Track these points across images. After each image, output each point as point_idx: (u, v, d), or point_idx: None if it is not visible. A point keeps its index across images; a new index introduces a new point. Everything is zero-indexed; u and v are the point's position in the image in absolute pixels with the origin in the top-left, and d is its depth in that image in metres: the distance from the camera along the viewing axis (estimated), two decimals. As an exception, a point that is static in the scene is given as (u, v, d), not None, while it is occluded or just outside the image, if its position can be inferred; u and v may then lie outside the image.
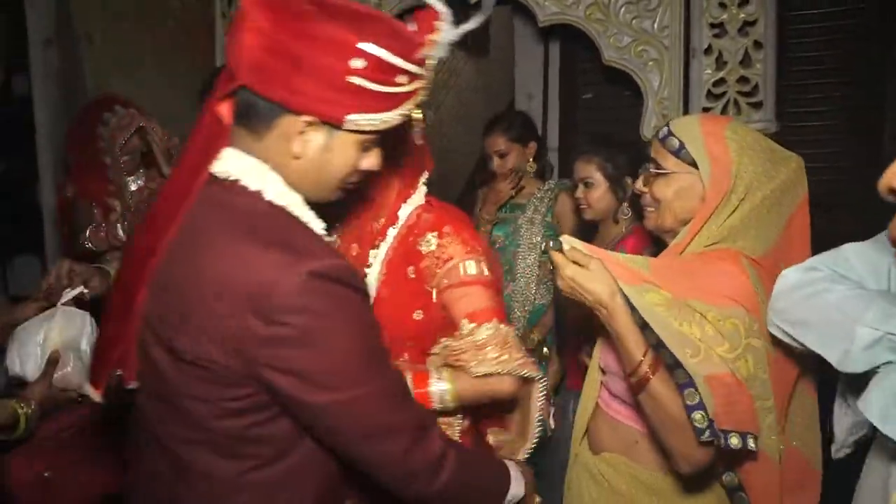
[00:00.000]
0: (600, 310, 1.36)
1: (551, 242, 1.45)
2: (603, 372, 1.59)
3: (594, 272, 1.35)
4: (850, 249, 1.30)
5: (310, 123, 1.02)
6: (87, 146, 2.34)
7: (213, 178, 1.05)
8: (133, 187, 2.54)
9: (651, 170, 1.51)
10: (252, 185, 1.04)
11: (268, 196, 1.04)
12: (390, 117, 1.05)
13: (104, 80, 2.95)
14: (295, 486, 1.08)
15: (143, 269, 1.04)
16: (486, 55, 6.66)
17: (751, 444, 1.29)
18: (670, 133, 1.46)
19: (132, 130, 2.38)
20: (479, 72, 6.62)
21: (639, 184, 1.56)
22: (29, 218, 3.15)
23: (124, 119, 2.37)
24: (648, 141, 2.54)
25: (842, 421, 1.33)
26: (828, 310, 1.22)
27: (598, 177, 2.41)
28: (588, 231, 2.57)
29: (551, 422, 2.39)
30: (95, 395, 1.12)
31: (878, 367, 1.14)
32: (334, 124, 1.03)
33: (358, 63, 0.96)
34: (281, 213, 1.05)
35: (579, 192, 2.47)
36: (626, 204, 2.41)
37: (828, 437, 1.44)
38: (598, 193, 2.42)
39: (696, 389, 1.26)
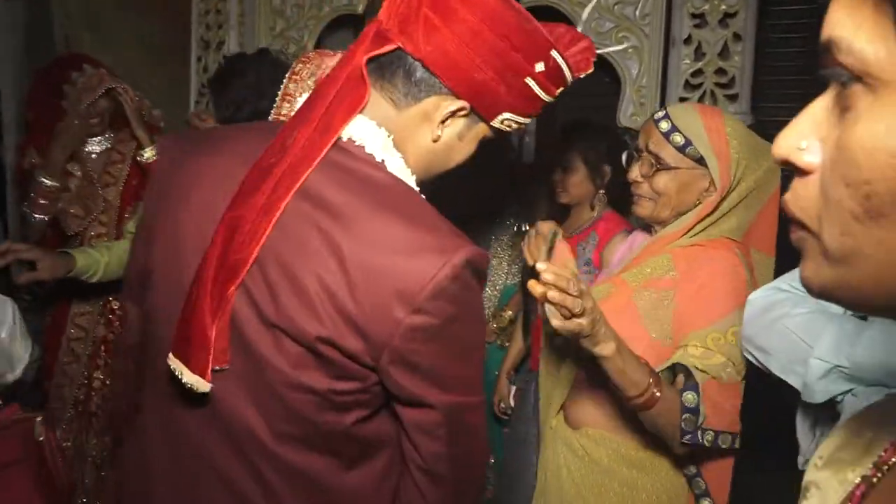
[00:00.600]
0: (600, 361, 1.32)
1: (523, 241, 1.46)
2: None
3: (597, 335, 1.25)
4: None
5: (462, 110, 0.96)
6: (50, 105, 2.27)
7: (337, 142, 0.94)
8: (96, 150, 2.48)
9: (649, 161, 1.51)
10: (378, 156, 0.95)
11: (391, 170, 0.96)
12: (526, 122, 1.03)
13: (73, 34, 2.87)
14: (375, 490, 1.02)
15: (253, 241, 0.88)
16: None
17: (720, 442, 1.37)
18: (675, 129, 1.47)
19: (101, 91, 2.32)
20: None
21: (634, 173, 1.56)
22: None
23: (93, 78, 2.30)
24: (625, 128, 2.55)
25: (805, 431, 1.33)
26: (788, 336, 1.22)
27: (578, 162, 2.41)
28: (561, 213, 2.58)
29: (511, 400, 2.43)
30: (205, 386, 0.91)
31: (837, 396, 1.14)
32: (483, 117, 0.99)
33: (541, 66, 0.95)
34: (411, 191, 0.97)
35: (557, 176, 2.47)
36: (602, 191, 2.42)
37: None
38: (576, 179, 2.43)
39: (697, 394, 1.35)
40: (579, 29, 2.61)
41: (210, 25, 3.22)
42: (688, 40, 2.48)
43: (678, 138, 1.47)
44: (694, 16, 2.47)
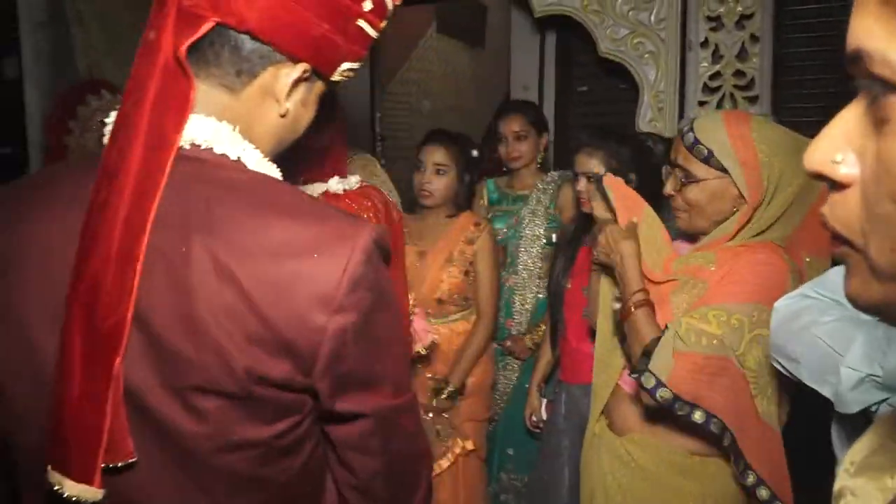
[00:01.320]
0: (615, 257, 1.52)
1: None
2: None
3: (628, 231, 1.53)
4: (835, 272, 1.27)
5: (305, 73, 0.83)
6: (64, 127, 2.30)
7: (179, 152, 0.77)
8: None
9: (678, 176, 1.53)
10: (231, 154, 0.81)
11: (251, 166, 0.82)
12: (359, 67, 0.90)
13: (95, 62, 2.92)
14: None
15: (123, 296, 0.71)
16: (483, 46, 6.65)
17: (677, 409, 1.38)
18: (697, 141, 1.47)
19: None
20: (475, 63, 6.61)
21: (668, 188, 1.58)
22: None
23: (110, 103, 2.34)
24: (645, 134, 2.54)
25: (842, 443, 1.30)
26: (817, 344, 1.19)
27: (601, 170, 2.41)
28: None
29: (543, 413, 2.40)
30: (95, 494, 0.73)
31: (871, 406, 1.11)
32: (323, 74, 0.86)
33: (368, 4, 0.84)
34: (280, 184, 0.84)
35: (581, 186, 2.46)
36: None
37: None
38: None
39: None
40: (595, 36, 2.62)
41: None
42: (704, 43, 2.48)
43: (702, 150, 1.47)
44: (710, 19, 2.46)
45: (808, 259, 1.53)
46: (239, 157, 0.81)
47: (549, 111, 4.34)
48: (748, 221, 1.49)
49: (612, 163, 2.36)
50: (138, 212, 0.72)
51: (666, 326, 1.44)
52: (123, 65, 2.92)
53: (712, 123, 1.50)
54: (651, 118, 2.53)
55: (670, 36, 2.51)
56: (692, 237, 1.65)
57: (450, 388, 2.29)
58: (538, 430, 2.36)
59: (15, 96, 2.92)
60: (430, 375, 2.34)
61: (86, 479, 0.72)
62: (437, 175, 2.32)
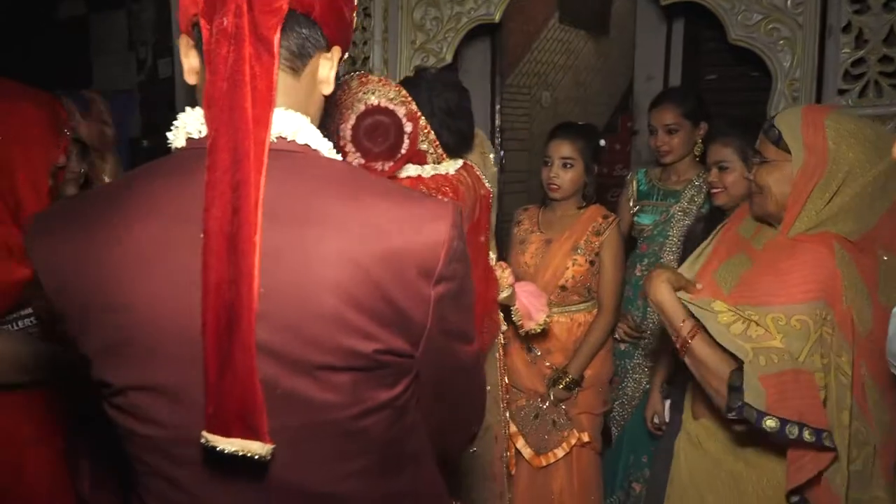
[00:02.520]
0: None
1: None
2: None
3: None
4: None
5: (342, 57, 0.88)
6: None
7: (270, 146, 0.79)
8: None
9: (754, 161, 1.58)
10: (313, 145, 0.85)
11: (325, 154, 0.87)
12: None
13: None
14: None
15: (250, 287, 0.73)
16: (606, 35, 6.50)
17: (788, 433, 1.34)
18: (772, 125, 1.52)
19: None
20: (598, 52, 6.48)
21: (749, 172, 1.64)
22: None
23: None
24: None
25: None
26: None
27: (734, 160, 2.33)
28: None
29: (666, 414, 2.32)
30: (264, 447, 0.76)
31: None
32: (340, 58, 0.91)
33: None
34: (360, 170, 0.92)
35: (713, 176, 2.38)
36: None
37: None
38: (733, 177, 2.33)
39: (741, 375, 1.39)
40: (726, 22, 2.51)
41: (356, 42, 3.42)
42: (847, 28, 2.31)
43: (774, 133, 1.51)
44: (853, 1, 2.30)
45: (885, 258, 1.47)
46: (317, 149, 0.86)
47: (674, 101, 4.22)
48: (800, 211, 1.48)
49: (747, 152, 2.27)
50: (246, 203, 0.73)
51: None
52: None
53: (792, 110, 1.55)
54: (784, 107, 2.40)
55: (808, 20, 2.36)
56: None
57: (568, 379, 2.30)
58: (660, 433, 2.27)
59: (169, 92, 3.21)
60: (548, 364, 2.36)
61: (253, 434, 0.75)
62: (563, 169, 2.35)
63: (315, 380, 0.79)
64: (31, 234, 0.83)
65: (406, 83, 1.73)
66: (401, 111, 1.61)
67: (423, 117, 1.71)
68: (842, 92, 2.32)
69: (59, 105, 1.67)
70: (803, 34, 2.38)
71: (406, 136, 1.61)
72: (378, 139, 1.58)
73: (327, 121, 1.33)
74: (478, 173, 1.86)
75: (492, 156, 2.34)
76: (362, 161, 1.60)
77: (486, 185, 1.87)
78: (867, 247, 1.46)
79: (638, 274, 2.64)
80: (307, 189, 0.80)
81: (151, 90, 3.49)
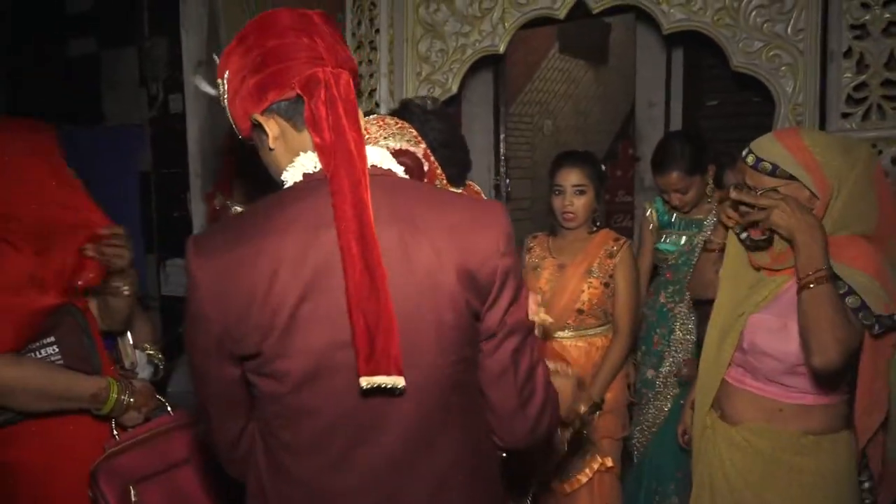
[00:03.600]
0: (801, 230, 1.53)
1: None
2: (742, 353, 1.72)
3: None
4: None
5: None
6: (234, 152, 2.56)
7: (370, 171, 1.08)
8: None
9: (752, 193, 1.64)
10: (393, 169, 1.15)
11: (400, 175, 1.16)
12: None
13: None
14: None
15: (379, 263, 1.00)
16: (605, 63, 6.60)
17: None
18: (759, 160, 1.62)
19: None
20: (598, 80, 6.57)
21: (745, 200, 1.67)
22: (181, 223, 3.46)
23: None
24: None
25: None
26: None
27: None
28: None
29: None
30: (401, 380, 1.01)
31: None
32: None
33: None
34: (426, 185, 1.33)
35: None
36: None
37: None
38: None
39: (858, 295, 1.51)
40: (727, 50, 2.56)
41: (363, 75, 3.48)
42: (847, 53, 2.36)
43: (766, 166, 1.61)
44: (853, 27, 2.34)
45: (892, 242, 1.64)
46: (390, 169, 1.14)
47: (676, 127, 4.27)
48: (825, 214, 1.60)
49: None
50: (365, 210, 1.01)
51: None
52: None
53: (767, 142, 1.66)
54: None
55: (809, 47, 2.41)
56: None
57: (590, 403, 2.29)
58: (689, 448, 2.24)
59: (180, 126, 3.26)
60: None
61: (396, 371, 1.00)
62: (577, 196, 2.37)
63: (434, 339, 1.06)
64: (190, 254, 1.06)
65: (395, 116, 1.74)
66: (419, 152, 1.63)
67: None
68: (845, 115, 2.36)
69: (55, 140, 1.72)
70: (805, 60, 2.42)
71: (425, 177, 1.64)
72: None
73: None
74: (477, 191, 1.91)
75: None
76: None
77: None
78: (881, 240, 1.61)
79: (662, 301, 2.65)
80: (405, 198, 1.08)
81: (162, 125, 3.54)
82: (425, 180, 1.64)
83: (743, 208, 1.66)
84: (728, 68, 2.61)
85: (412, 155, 1.61)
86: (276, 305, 1.00)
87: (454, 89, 3.28)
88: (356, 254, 0.98)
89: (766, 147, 1.64)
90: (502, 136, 4.86)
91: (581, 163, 2.41)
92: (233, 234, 1.06)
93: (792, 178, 1.59)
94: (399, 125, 1.66)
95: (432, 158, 1.71)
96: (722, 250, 1.82)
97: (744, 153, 1.67)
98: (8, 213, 1.59)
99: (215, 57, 1.15)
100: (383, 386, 1.00)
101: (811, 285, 1.49)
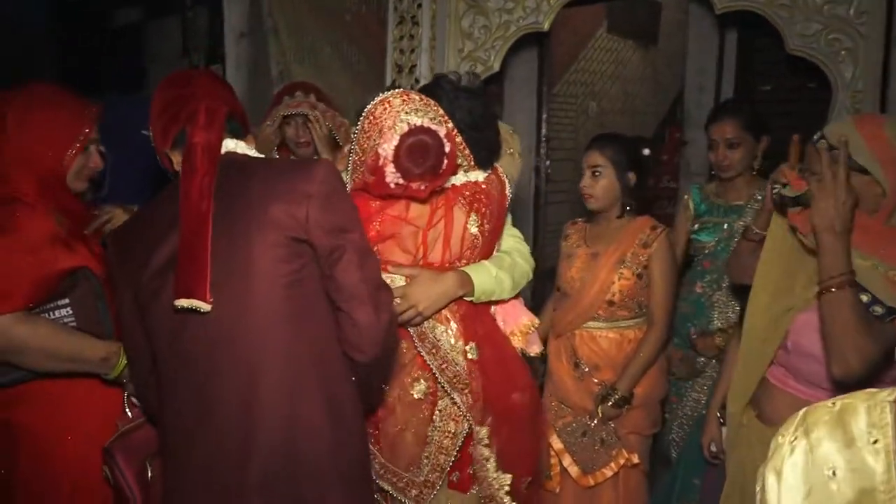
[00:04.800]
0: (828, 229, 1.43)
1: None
2: (785, 352, 1.64)
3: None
4: None
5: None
6: (263, 121, 2.59)
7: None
8: None
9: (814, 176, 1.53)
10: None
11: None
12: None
13: (285, 68, 3.19)
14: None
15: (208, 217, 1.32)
16: (655, 45, 6.40)
17: None
18: (832, 147, 1.49)
19: (295, 112, 2.57)
20: (646, 62, 6.38)
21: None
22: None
23: (292, 102, 2.57)
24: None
25: None
26: None
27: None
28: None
29: (724, 443, 2.19)
30: (206, 306, 1.29)
31: None
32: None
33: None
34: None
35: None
36: None
37: None
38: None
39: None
40: (783, 32, 2.44)
41: (404, 50, 3.43)
42: (914, 38, 2.22)
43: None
44: (922, 10, 2.21)
45: None
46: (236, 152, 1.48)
47: (726, 112, 4.11)
48: (890, 215, 1.51)
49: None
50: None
51: None
52: (309, 70, 3.21)
53: (842, 128, 1.53)
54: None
55: (872, 31, 2.28)
56: None
57: (617, 396, 2.22)
58: (718, 462, 2.07)
59: None
60: (596, 381, 2.30)
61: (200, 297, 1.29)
62: (593, 178, 2.28)
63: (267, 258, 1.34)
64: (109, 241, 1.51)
65: (424, 92, 1.70)
66: (441, 132, 1.59)
67: (457, 134, 1.70)
68: (909, 104, 2.23)
69: (84, 115, 1.73)
70: (866, 45, 2.29)
71: (445, 157, 1.60)
72: (420, 160, 1.57)
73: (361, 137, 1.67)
74: (502, 177, 1.83)
75: (519, 158, 2.29)
76: (401, 181, 1.59)
77: (508, 191, 1.84)
78: None
79: (699, 291, 2.56)
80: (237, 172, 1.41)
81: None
82: (446, 161, 1.61)
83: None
84: (783, 52, 2.49)
85: (433, 133, 1.58)
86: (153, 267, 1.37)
87: (496, 67, 3.21)
88: (188, 213, 1.31)
89: (842, 131, 1.51)
90: (544, 117, 4.76)
91: (602, 144, 2.31)
92: (133, 221, 1.51)
93: (864, 171, 1.48)
94: (423, 101, 1.63)
95: (457, 140, 1.67)
96: (762, 242, 1.73)
97: (815, 137, 1.56)
98: (30, 163, 1.63)
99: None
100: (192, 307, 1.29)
101: (832, 290, 1.42)
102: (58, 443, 1.65)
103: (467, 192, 1.70)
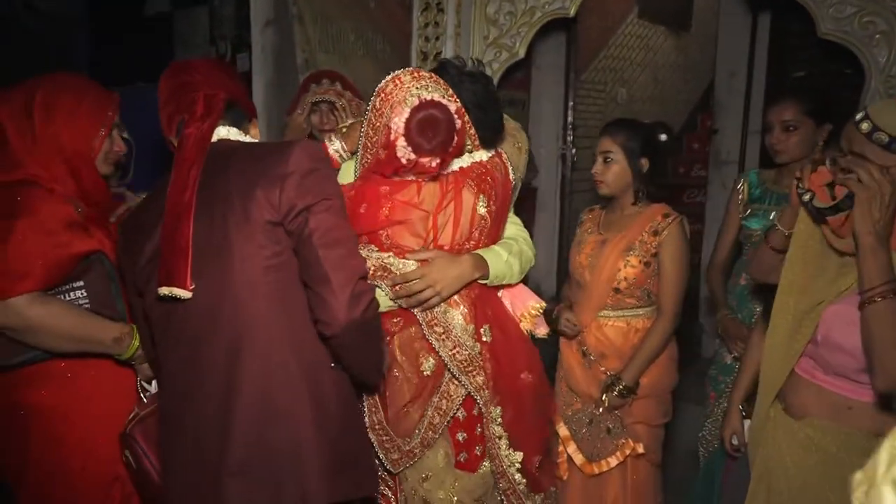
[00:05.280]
0: (872, 233, 1.38)
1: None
2: (814, 345, 1.60)
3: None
4: None
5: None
6: (293, 109, 2.60)
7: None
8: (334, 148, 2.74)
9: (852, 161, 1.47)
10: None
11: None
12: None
13: (311, 56, 3.20)
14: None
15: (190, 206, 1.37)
16: (687, 31, 6.28)
17: None
18: (876, 128, 1.43)
19: (322, 99, 2.58)
20: (678, 48, 6.27)
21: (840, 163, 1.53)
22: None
23: (319, 89, 2.58)
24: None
25: None
26: None
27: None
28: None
29: (746, 435, 2.15)
30: (187, 293, 1.34)
31: None
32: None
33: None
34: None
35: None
36: None
37: None
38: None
39: None
40: (816, 15, 2.38)
41: (429, 38, 3.42)
42: (953, 20, 2.15)
43: (882, 137, 1.42)
44: (961, -9, 2.13)
45: None
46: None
47: (758, 99, 4.03)
48: None
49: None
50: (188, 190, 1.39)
51: None
52: (334, 58, 3.20)
53: (890, 111, 1.45)
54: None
55: (909, 12, 2.21)
56: None
57: (622, 386, 2.20)
58: (739, 454, 2.03)
59: (247, 87, 3.29)
60: (603, 369, 2.28)
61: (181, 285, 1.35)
62: (604, 164, 2.25)
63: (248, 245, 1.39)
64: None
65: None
66: (452, 108, 1.61)
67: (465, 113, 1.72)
68: (945, 89, 2.16)
69: (108, 100, 1.76)
70: (902, 27, 2.22)
71: (455, 133, 1.62)
72: (430, 134, 1.59)
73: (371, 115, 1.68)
74: (506, 161, 1.86)
75: (525, 154, 2.28)
76: (412, 156, 1.60)
77: (512, 175, 1.86)
78: None
79: (742, 283, 2.48)
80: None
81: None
82: (456, 138, 1.63)
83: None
84: (817, 36, 2.43)
85: (444, 108, 1.61)
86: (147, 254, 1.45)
87: (521, 53, 3.19)
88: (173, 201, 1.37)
89: (887, 116, 1.44)
90: (571, 105, 4.71)
91: (614, 130, 2.26)
92: (135, 210, 1.58)
93: None
94: (434, 79, 1.66)
95: (466, 118, 1.69)
96: (784, 250, 1.67)
97: (857, 117, 1.48)
98: (60, 148, 1.67)
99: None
100: (173, 294, 1.35)
101: (876, 300, 1.36)
102: (69, 423, 1.69)
103: (474, 174, 1.72)
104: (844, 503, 1.50)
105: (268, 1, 3.22)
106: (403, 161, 1.61)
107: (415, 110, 1.59)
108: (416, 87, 1.61)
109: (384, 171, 1.67)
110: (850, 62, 2.46)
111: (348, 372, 1.51)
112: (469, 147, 1.74)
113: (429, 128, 1.59)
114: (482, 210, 1.72)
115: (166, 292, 1.35)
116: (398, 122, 1.60)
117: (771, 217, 2.39)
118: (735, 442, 2.04)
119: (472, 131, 1.73)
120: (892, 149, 1.41)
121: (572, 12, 3.03)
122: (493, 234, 1.80)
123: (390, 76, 1.66)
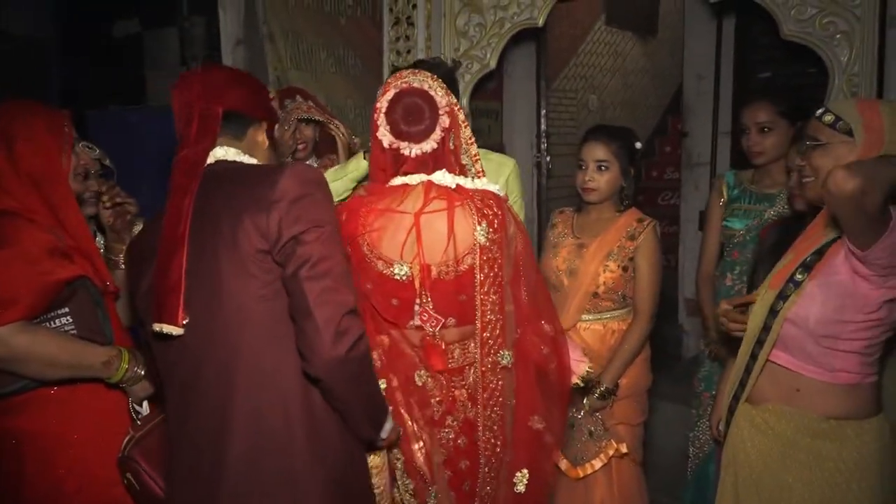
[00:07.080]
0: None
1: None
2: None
3: None
4: None
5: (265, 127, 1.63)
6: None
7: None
8: None
9: (807, 144, 1.62)
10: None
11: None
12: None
13: (282, 73, 3.21)
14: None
15: (185, 233, 1.35)
16: (654, 36, 6.38)
17: None
18: (827, 110, 1.59)
19: (302, 117, 2.57)
20: (646, 53, 6.36)
21: (797, 159, 1.68)
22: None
23: (301, 106, 2.57)
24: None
25: None
26: None
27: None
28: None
29: None
30: (179, 330, 1.32)
31: None
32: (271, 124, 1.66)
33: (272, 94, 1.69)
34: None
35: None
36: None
37: None
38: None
39: None
40: (778, 17, 2.44)
41: (400, 52, 3.44)
42: (910, 18, 2.21)
43: (829, 117, 1.57)
44: (917, -10, 2.20)
45: None
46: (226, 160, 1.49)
47: (726, 101, 4.10)
48: None
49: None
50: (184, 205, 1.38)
51: None
52: (306, 75, 3.21)
53: (844, 101, 1.66)
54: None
55: (867, 13, 2.27)
56: None
57: (602, 388, 2.21)
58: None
59: (262, 87, 3.28)
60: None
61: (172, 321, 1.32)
62: (598, 172, 2.27)
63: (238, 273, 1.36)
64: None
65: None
66: (442, 101, 1.65)
67: (468, 127, 1.72)
68: (905, 86, 2.22)
69: (60, 118, 1.76)
70: (862, 27, 2.28)
71: (439, 128, 1.63)
72: (410, 118, 1.62)
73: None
74: (515, 216, 1.81)
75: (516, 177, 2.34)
76: (392, 139, 1.63)
77: (505, 208, 1.78)
78: None
79: (728, 283, 2.48)
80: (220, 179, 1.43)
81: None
82: (437, 132, 1.65)
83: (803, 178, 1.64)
84: (781, 38, 2.48)
85: (429, 98, 1.66)
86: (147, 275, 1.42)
87: (492, 64, 3.22)
88: (170, 229, 1.35)
89: (841, 103, 1.64)
90: (543, 112, 4.76)
91: (606, 138, 2.29)
92: (139, 235, 1.59)
93: (849, 134, 1.53)
94: (434, 77, 1.70)
95: (467, 133, 1.73)
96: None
97: (818, 112, 1.61)
98: (29, 174, 1.67)
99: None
100: (164, 331, 1.33)
101: None
102: (62, 446, 1.68)
103: (478, 198, 1.65)
104: (802, 485, 1.59)
105: (237, 20, 3.22)
106: (385, 144, 1.64)
107: (400, 93, 1.64)
108: (412, 77, 1.68)
109: (375, 173, 1.70)
110: (814, 62, 2.52)
111: (344, 422, 1.44)
112: (472, 173, 1.73)
113: (410, 112, 1.62)
114: (482, 238, 1.62)
115: (158, 329, 1.33)
116: (383, 100, 1.65)
117: (751, 217, 2.43)
118: (721, 428, 2.05)
119: (474, 151, 1.73)
120: (836, 126, 1.55)
121: (541, 22, 3.07)
122: (513, 277, 1.70)
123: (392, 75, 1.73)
